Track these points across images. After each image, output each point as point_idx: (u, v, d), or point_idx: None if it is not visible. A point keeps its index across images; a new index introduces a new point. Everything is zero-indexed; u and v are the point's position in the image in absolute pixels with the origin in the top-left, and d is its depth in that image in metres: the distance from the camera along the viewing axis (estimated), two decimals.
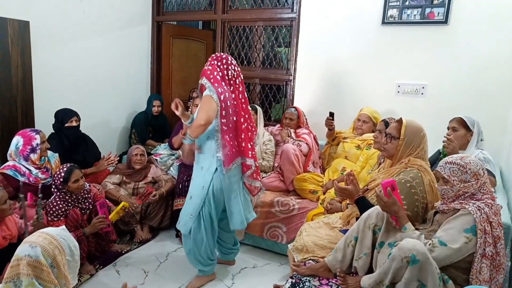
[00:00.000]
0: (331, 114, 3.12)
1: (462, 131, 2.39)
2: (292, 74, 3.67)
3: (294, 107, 3.39)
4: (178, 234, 3.13)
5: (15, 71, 2.98)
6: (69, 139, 3.05)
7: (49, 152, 2.77)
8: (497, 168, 2.62)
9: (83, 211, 2.59)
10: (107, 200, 2.78)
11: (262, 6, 3.84)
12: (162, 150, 3.63)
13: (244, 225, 2.47)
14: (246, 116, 2.37)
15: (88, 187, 2.67)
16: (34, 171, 2.60)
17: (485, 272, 1.58)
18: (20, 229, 2.23)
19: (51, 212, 2.47)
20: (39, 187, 2.53)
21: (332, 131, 3.17)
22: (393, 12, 3.12)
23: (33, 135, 2.59)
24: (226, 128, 2.24)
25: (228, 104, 2.23)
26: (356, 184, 2.03)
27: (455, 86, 2.99)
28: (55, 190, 2.51)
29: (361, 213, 1.93)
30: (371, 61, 3.26)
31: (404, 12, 3.08)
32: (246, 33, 3.98)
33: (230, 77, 2.30)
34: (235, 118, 2.27)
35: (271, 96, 3.95)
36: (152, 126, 3.97)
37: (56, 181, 2.48)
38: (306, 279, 1.93)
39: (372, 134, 2.74)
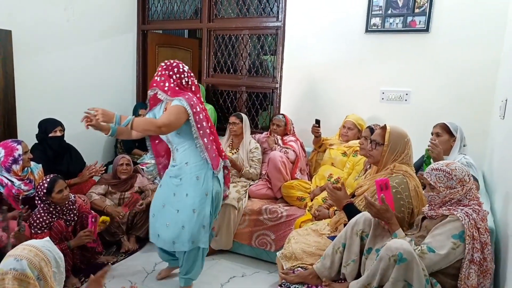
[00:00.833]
0: (317, 121, 3.15)
1: (445, 136, 2.43)
2: (278, 82, 3.69)
3: (282, 114, 3.41)
4: None
5: None
6: (53, 150, 2.99)
7: (32, 163, 2.71)
8: (480, 172, 2.68)
9: (67, 223, 2.54)
10: (98, 215, 2.73)
11: (247, 15, 3.87)
12: (148, 159, 3.57)
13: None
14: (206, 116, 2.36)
15: (73, 198, 2.62)
16: (17, 182, 2.54)
17: (473, 278, 1.60)
18: (0, 241, 2.17)
19: (34, 224, 2.41)
20: (20, 198, 2.48)
21: (318, 138, 3.20)
22: (376, 20, 3.18)
23: (14, 146, 2.54)
24: (203, 132, 2.23)
25: (198, 109, 2.21)
26: (345, 192, 2.05)
27: (438, 93, 3.06)
28: (39, 201, 2.46)
29: (349, 219, 1.95)
30: (355, 68, 3.31)
31: (387, 21, 3.15)
32: (232, 41, 4.00)
33: (185, 84, 2.25)
34: (209, 124, 2.28)
35: (258, 104, 3.97)
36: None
37: (39, 192, 2.43)
38: (295, 286, 1.93)
39: (358, 140, 2.77)
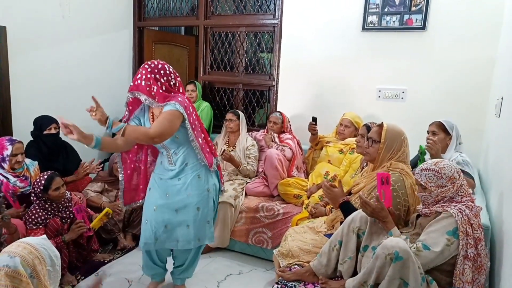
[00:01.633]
0: (314, 119, 3.15)
1: (441, 134, 2.44)
2: (275, 80, 3.69)
3: (279, 112, 3.41)
4: None
5: None
6: (48, 147, 2.97)
7: (28, 160, 2.70)
8: (476, 170, 2.69)
9: (63, 221, 2.53)
10: (83, 205, 2.73)
11: (244, 12, 3.86)
12: None
13: None
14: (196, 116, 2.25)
15: (69, 195, 2.61)
16: (12, 179, 2.53)
17: (468, 274, 1.61)
18: None
19: (30, 220, 2.41)
20: (16, 196, 2.47)
21: (315, 135, 3.20)
22: (372, 18, 3.18)
23: (5, 145, 2.51)
24: (196, 132, 2.17)
25: (191, 109, 2.12)
26: (341, 189, 2.06)
27: (434, 91, 3.07)
28: (35, 198, 2.45)
29: (345, 217, 1.95)
30: (352, 66, 3.31)
31: (384, 19, 3.15)
32: (228, 38, 3.99)
33: (173, 86, 2.08)
34: (198, 123, 2.20)
35: (255, 102, 3.97)
36: None
37: (36, 189, 2.42)
38: (292, 284, 1.94)
39: (355, 138, 2.78)
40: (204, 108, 3.79)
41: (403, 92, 3.17)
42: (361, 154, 2.50)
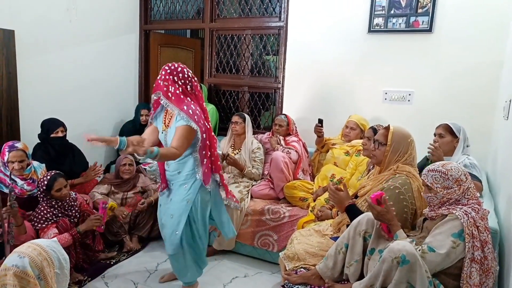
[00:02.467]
0: (320, 121, 3.14)
1: (448, 137, 2.42)
2: (281, 82, 3.69)
3: (284, 114, 3.40)
4: None
5: (0, 81, 2.93)
6: (55, 150, 3.00)
7: (36, 163, 2.72)
8: (483, 173, 2.66)
9: (71, 220, 2.56)
10: (105, 201, 2.77)
11: (250, 15, 3.86)
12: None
13: (235, 232, 2.57)
14: (208, 126, 2.28)
15: (74, 195, 2.64)
16: (20, 182, 2.55)
17: (475, 277, 1.60)
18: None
19: (39, 217, 2.43)
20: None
21: (321, 138, 3.19)
22: (379, 20, 3.17)
23: (5, 151, 2.54)
24: (202, 145, 2.19)
25: (202, 122, 2.16)
26: (347, 192, 2.05)
27: (441, 93, 3.04)
28: (41, 196, 2.48)
29: (351, 220, 1.94)
30: (358, 68, 3.30)
31: (390, 21, 3.14)
32: (234, 41, 3.99)
33: (190, 90, 2.17)
34: (205, 136, 2.20)
35: (260, 104, 3.97)
36: (140, 135, 3.93)
37: (40, 187, 2.46)
38: (297, 287, 1.93)
39: (361, 140, 2.76)
40: (210, 111, 3.78)
41: (409, 95, 3.15)
42: (367, 156, 2.49)
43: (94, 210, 2.76)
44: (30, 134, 3.02)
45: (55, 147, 2.99)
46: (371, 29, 3.20)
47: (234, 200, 2.63)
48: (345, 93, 3.38)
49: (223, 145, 3.40)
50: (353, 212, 1.97)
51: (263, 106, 3.98)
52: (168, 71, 2.12)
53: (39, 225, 2.42)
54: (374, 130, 2.51)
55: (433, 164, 1.78)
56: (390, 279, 1.59)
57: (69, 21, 3.47)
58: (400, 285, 1.56)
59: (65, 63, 3.50)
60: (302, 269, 2.04)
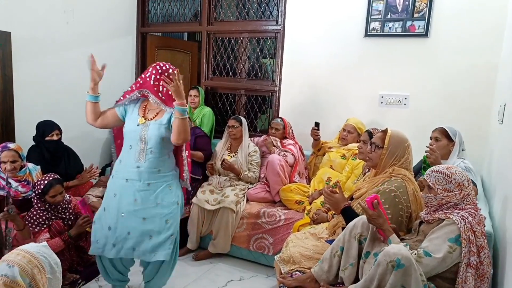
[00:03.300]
0: (317, 124, 3.15)
1: (444, 141, 2.43)
2: (277, 85, 3.69)
3: (281, 118, 3.41)
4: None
5: None
6: (50, 152, 2.97)
7: (31, 165, 2.70)
8: (479, 177, 2.67)
9: (64, 222, 2.54)
10: (85, 199, 2.74)
11: (247, 18, 3.87)
12: None
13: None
14: None
15: (68, 197, 2.62)
16: (14, 184, 2.53)
17: (470, 281, 1.60)
18: None
19: (32, 221, 2.41)
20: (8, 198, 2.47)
21: (317, 141, 3.19)
22: (375, 24, 3.19)
23: None
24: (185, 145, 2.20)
25: None
26: (342, 195, 2.05)
27: (436, 97, 3.06)
28: (35, 198, 2.46)
29: (347, 223, 1.94)
30: (354, 72, 3.32)
31: (386, 25, 3.15)
32: (231, 44, 4.00)
33: None
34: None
35: (257, 107, 3.97)
36: None
37: (35, 190, 2.44)
38: None
39: (357, 144, 2.77)
40: (206, 113, 3.79)
41: (405, 98, 3.16)
42: (363, 160, 2.49)
43: (85, 198, 2.75)
44: (25, 136, 3.00)
45: (49, 150, 2.97)
46: (368, 33, 3.21)
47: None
48: (342, 97, 3.39)
49: (219, 148, 3.40)
50: (348, 214, 1.97)
51: (260, 109, 3.98)
52: (160, 71, 2.11)
53: (32, 229, 2.40)
54: (370, 133, 2.51)
55: (438, 165, 1.79)
56: (384, 283, 1.59)
57: (65, 23, 3.47)
58: None
59: (62, 65, 3.49)
60: (297, 272, 2.03)
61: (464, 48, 2.93)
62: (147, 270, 2.29)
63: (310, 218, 2.59)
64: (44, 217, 2.44)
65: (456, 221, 1.62)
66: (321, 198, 2.70)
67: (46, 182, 2.43)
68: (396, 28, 3.13)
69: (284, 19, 3.57)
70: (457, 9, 2.92)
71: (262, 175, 3.24)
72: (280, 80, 3.67)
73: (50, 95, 3.41)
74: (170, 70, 2.12)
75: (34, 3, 3.18)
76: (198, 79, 4.55)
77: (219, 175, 3.27)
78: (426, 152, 2.31)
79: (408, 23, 3.08)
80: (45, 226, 2.43)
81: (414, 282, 1.54)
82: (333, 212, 2.35)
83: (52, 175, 2.48)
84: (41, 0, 3.23)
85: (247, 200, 3.08)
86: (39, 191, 2.41)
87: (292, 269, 2.06)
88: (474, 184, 2.28)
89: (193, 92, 3.81)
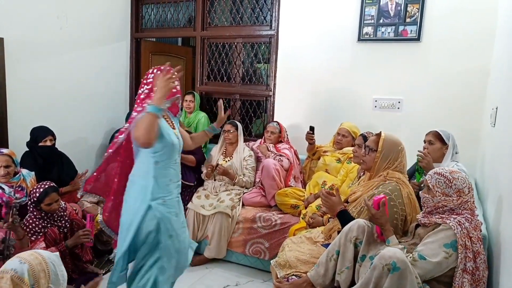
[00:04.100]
0: (312, 129, 3.16)
1: (437, 144, 2.45)
2: (272, 90, 3.71)
3: (277, 122, 3.42)
4: None
5: None
6: (43, 158, 2.95)
7: (25, 171, 2.68)
8: (472, 179, 2.69)
9: (60, 230, 2.51)
10: (92, 214, 2.71)
11: (241, 24, 3.89)
12: None
13: None
14: None
15: (63, 205, 2.59)
16: (7, 190, 2.51)
17: (467, 287, 1.60)
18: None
19: (27, 230, 2.38)
20: (12, 206, 2.44)
21: (312, 145, 3.20)
22: (368, 29, 3.22)
23: None
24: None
25: None
26: (339, 198, 2.05)
27: (429, 101, 3.09)
28: (31, 206, 2.44)
29: (343, 226, 1.95)
30: (348, 76, 3.34)
31: (379, 30, 3.18)
32: (225, 49, 4.01)
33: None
34: None
35: (252, 112, 3.98)
36: None
37: (31, 198, 2.41)
38: None
39: (352, 148, 2.78)
40: (201, 119, 3.79)
41: (399, 102, 3.19)
42: (357, 163, 2.51)
43: (83, 220, 2.71)
44: (18, 142, 2.98)
45: (42, 155, 2.94)
46: (361, 38, 3.24)
47: None
48: (336, 101, 3.41)
49: (214, 153, 3.40)
50: (344, 217, 1.98)
51: (255, 114, 3.99)
52: (150, 71, 1.97)
53: (28, 237, 2.37)
54: (364, 137, 2.53)
55: (442, 168, 1.80)
56: (380, 286, 1.59)
57: (59, 29, 3.46)
58: None
59: (55, 71, 3.47)
60: (293, 277, 2.03)
61: (456, 52, 2.97)
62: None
63: (306, 222, 2.59)
64: (40, 225, 2.41)
65: (452, 226, 1.63)
66: (317, 202, 2.71)
67: (41, 190, 2.40)
68: (388, 32, 3.16)
69: (278, 24, 3.59)
70: (449, 14, 2.96)
71: (257, 180, 3.25)
72: (274, 84, 3.68)
73: (44, 101, 3.39)
74: (150, 70, 1.98)
75: (27, 8, 3.17)
76: (192, 84, 4.55)
77: (214, 180, 3.27)
78: (417, 156, 2.32)
79: (401, 28, 3.11)
80: (41, 234, 2.40)
81: (409, 285, 1.55)
82: (329, 216, 2.36)
83: (47, 183, 2.46)
84: (34, 5, 3.22)
85: (243, 204, 3.08)
86: (35, 199, 2.39)
87: (288, 274, 2.06)
88: None
89: (188, 97, 3.81)
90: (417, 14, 3.04)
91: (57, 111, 3.48)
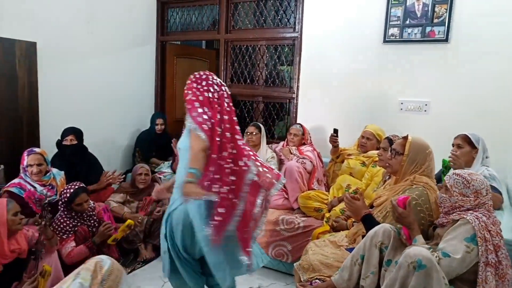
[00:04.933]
0: (335, 131, 3.13)
1: (467, 148, 2.38)
2: (295, 92, 3.70)
3: (299, 124, 3.40)
4: None
5: (22, 91, 3.02)
6: (66, 156, 3.02)
7: (55, 170, 2.78)
8: (504, 185, 2.60)
9: (89, 229, 2.59)
10: (107, 205, 2.80)
11: (264, 26, 3.90)
12: (166, 168, 3.63)
13: None
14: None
15: (92, 204, 2.67)
16: (39, 188, 2.60)
17: (491, 281, 1.58)
18: (30, 242, 2.20)
19: (58, 229, 2.46)
20: (43, 204, 2.53)
21: (336, 148, 3.17)
22: (394, 31, 3.16)
23: (24, 156, 2.60)
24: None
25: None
26: (363, 202, 2.03)
27: (458, 103, 3.01)
28: (62, 206, 2.52)
29: (367, 231, 1.92)
30: (373, 78, 3.29)
31: (405, 31, 3.13)
32: (249, 52, 4.03)
33: (212, 98, 1.92)
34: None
35: (274, 114, 3.98)
36: (156, 144, 3.98)
37: (62, 198, 2.50)
38: None
39: (377, 151, 2.74)
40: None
41: (426, 105, 3.12)
42: (383, 167, 2.46)
43: (107, 205, 2.81)
44: (49, 142, 3.08)
45: (64, 154, 3.03)
46: (386, 39, 3.19)
47: None
48: (360, 103, 3.37)
49: None
50: (369, 222, 1.95)
51: (277, 116, 3.99)
52: (193, 79, 1.95)
53: (59, 236, 2.45)
54: (390, 140, 2.48)
55: (461, 170, 1.78)
56: (406, 285, 1.57)
57: (89, 33, 3.57)
58: None
59: (85, 74, 3.59)
60: (317, 281, 2.01)
61: (486, 54, 2.88)
62: None
63: (329, 225, 2.57)
64: (70, 225, 2.49)
65: (470, 220, 1.62)
66: (341, 205, 2.68)
67: (71, 191, 2.48)
68: (415, 33, 3.10)
69: (302, 26, 3.58)
70: (478, 14, 2.87)
71: None
72: (297, 87, 3.67)
73: (73, 103, 3.50)
74: (204, 76, 1.95)
75: (59, 14, 3.29)
76: None
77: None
78: (449, 158, 2.27)
79: (428, 29, 3.05)
80: (71, 233, 2.48)
81: (436, 284, 1.52)
82: (353, 220, 2.33)
83: (77, 184, 2.54)
84: (65, 11, 3.34)
85: None
86: (65, 199, 2.47)
87: (311, 277, 2.05)
88: (500, 192, 2.23)
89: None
90: (445, 14, 2.97)
91: (86, 113, 3.59)
